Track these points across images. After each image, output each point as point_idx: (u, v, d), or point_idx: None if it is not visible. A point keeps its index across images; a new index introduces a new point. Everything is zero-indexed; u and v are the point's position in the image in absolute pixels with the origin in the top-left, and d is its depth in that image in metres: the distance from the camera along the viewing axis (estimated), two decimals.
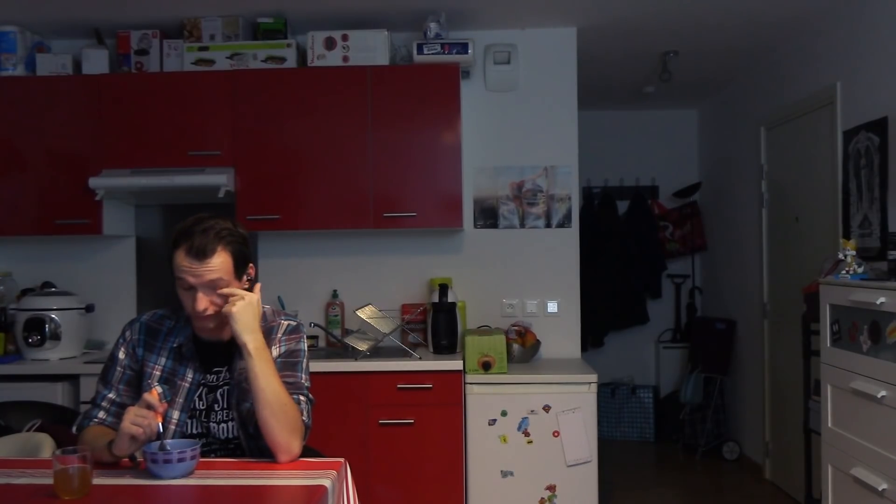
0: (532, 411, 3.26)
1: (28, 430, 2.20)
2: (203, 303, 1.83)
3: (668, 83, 4.67)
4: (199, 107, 3.52)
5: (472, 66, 3.74)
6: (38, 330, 3.39)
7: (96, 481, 1.64)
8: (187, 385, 1.94)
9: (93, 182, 3.41)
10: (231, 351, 1.94)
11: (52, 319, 3.42)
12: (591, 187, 5.95)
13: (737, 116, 5.10)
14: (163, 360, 1.95)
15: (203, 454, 1.90)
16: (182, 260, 1.82)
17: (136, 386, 1.95)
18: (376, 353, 3.43)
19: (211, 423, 1.94)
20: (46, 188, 3.54)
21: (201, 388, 1.95)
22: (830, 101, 3.66)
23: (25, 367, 3.33)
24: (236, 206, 3.51)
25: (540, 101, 3.85)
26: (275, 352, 1.94)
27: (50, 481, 1.59)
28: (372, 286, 3.83)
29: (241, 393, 1.90)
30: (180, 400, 1.93)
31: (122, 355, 1.96)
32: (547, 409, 3.26)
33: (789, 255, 4.27)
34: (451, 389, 3.24)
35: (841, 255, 2.87)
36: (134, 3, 3.43)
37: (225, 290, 1.85)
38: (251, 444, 1.94)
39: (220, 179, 3.39)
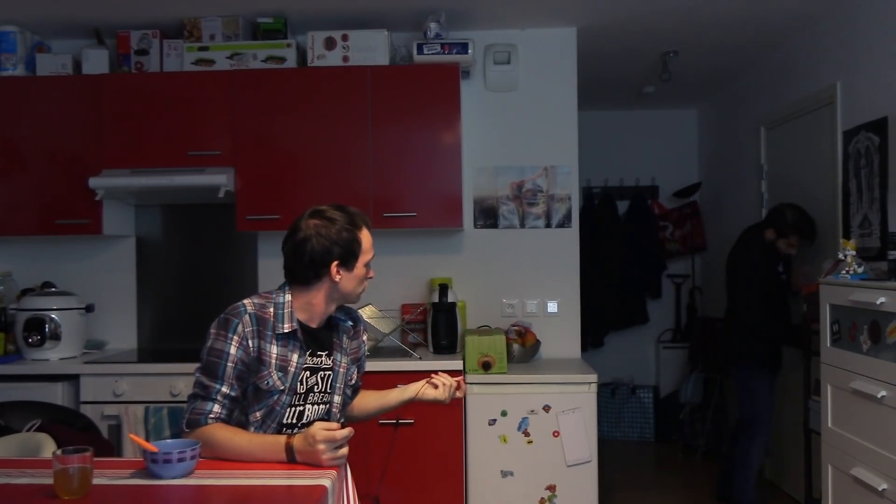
0: (532, 411, 3.26)
1: (28, 430, 2.20)
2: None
3: (668, 83, 4.66)
4: (199, 107, 3.52)
5: (472, 66, 3.74)
6: (38, 330, 3.39)
7: (96, 481, 1.63)
8: (293, 369, 1.97)
9: (93, 182, 3.41)
10: (328, 337, 2.08)
11: (52, 319, 3.42)
12: (591, 187, 5.95)
13: (737, 116, 5.10)
14: (274, 348, 1.95)
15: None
16: (370, 236, 2.08)
17: (245, 379, 1.93)
18: (376, 353, 3.43)
19: (307, 405, 2.01)
20: (46, 188, 3.54)
21: (304, 371, 2.00)
22: (830, 101, 3.66)
23: (25, 367, 3.33)
24: (236, 206, 3.51)
25: (540, 101, 3.85)
26: (360, 343, 2.25)
27: (50, 481, 1.59)
28: (372, 286, 3.74)
29: (343, 379, 2.11)
30: (289, 384, 1.96)
31: (233, 350, 1.90)
32: (547, 409, 3.26)
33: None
34: None
35: (841, 255, 2.87)
36: (134, 3, 3.42)
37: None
38: None
39: (220, 179, 3.39)
